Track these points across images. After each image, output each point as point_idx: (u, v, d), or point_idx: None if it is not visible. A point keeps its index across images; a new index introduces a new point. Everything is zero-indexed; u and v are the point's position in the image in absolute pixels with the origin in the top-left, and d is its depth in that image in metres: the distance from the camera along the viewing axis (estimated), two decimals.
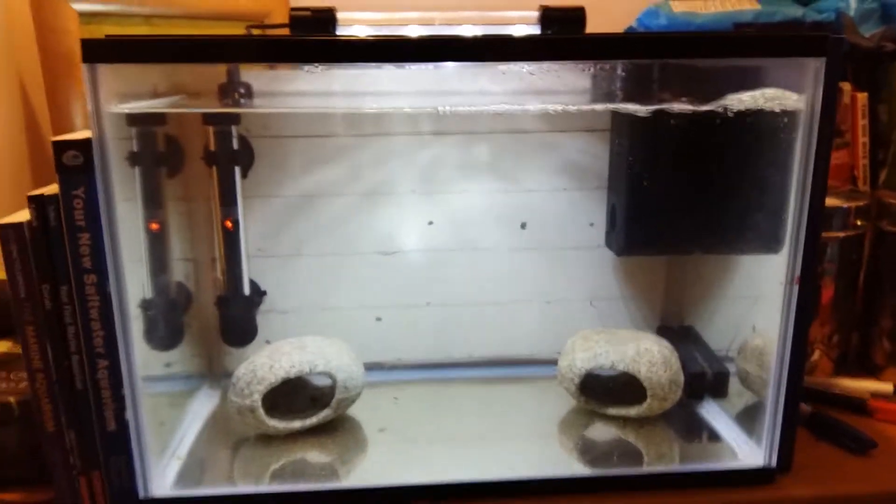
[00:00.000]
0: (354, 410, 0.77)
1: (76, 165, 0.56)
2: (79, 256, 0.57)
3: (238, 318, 0.81)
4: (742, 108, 0.65)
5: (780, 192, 0.70)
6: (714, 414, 0.76)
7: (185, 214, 0.80)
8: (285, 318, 0.84)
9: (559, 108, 0.70)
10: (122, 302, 0.59)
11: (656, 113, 0.70)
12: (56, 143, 0.55)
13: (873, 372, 0.84)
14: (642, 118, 0.72)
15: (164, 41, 0.56)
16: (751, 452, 0.68)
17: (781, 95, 0.63)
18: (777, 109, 0.64)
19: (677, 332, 0.85)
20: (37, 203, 0.56)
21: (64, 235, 0.57)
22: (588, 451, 0.71)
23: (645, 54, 0.61)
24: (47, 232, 0.57)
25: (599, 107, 0.74)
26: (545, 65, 0.63)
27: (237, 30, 0.97)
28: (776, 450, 0.66)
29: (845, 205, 0.79)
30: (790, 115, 0.64)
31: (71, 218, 0.56)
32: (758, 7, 0.96)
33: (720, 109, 0.66)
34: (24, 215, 0.57)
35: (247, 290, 0.80)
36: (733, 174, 0.73)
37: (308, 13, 0.65)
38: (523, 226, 0.84)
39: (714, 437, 0.72)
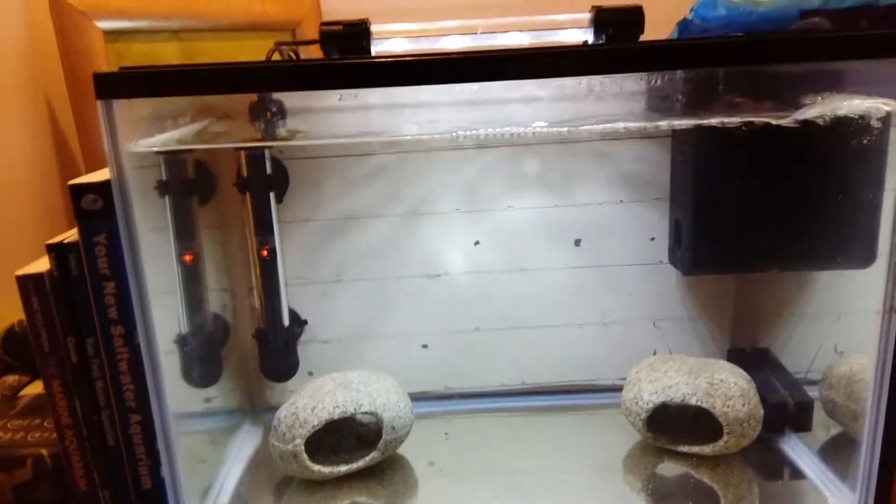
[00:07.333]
0: (403, 446, 0.72)
1: (96, 210, 0.52)
2: (104, 307, 0.53)
3: (278, 351, 0.76)
4: (826, 118, 0.58)
5: (870, 203, 0.63)
6: (797, 449, 0.69)
7: (218, 243, 0.76)
8: (327, 347, 0.80)
9: (618, 127, 0.63)
10: (152, 353, 0.55)
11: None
12: (73, 187, 0.51)
13: None
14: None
15: (183, 72, 0.51)
16: (842, 496, 0.62)
17: (874, 105, 0.56)
18: (872, 117, 0.57)
19: (751, 354, 0.78)
20: (56, 251, 0.53)
21: (87, 285, 0.53)
22: (658, 491, 0.65)
23: (715, 62, 0.54)
24: (69, 281, 0.53)
25: (663, 124, 0.67)
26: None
27: (267, 42, 0.92)
28: (872, 495, 0.59)
29: None
30: (883, 119, 0.56)
31: (94, 266, 0.53)
32: None
33: (801, 118, 0.59)
34: (44, 264, 0.53)
35: (286, 322, 0.76)
36: (814, 183, 0.66)
37: (339, 27, 0.59)
38: (577, 242, 0.78)
39: (798, 476, 0.66)
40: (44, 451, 0.62)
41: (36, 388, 0.74)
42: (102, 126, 0.50)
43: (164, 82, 0.51)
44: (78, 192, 0.51)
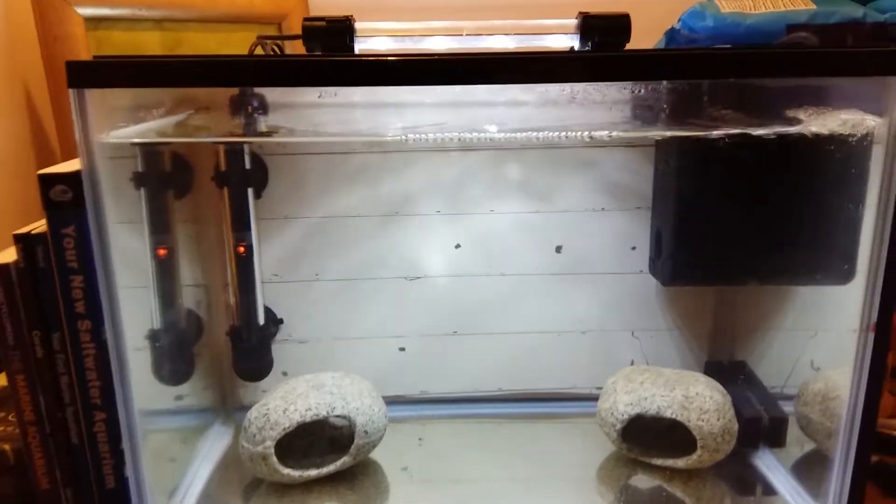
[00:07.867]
0: (375, 450, 0.71)
1: (65, 201, 0.50)
2: (71, 301, 0.52)
3: (252, 350, 0.75)
4: (813, 132, 0.58)
5: (851, 220, 0.63)
6: (770, 465, 0.69)
7: (194, 238, 0.74)
8: (303, 347, 0.79)
9: (603, 134, 0.62)
10: (119, 350, 0.53)
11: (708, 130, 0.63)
12: (42, 177, 0.50)
13: None
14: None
15: (159, 63, 0.50)
16: None
17: (859, 121, 0.56)
18: (856, 133, 0.56)
19: (728, 367, 0.77)
20: (24, 242, 0.51)
21: (55, 278, 0.51)
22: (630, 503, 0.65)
23: (700, 74, 0.54)
24: (36, 274, 0.52)
25: (654, 134, 0.67)
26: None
27: (252, 35, 0.91)
28: None
29: None
30: (866, 137, 0.56)
31: (62, 259, 0.51)
32: (813, 7, 0.88)
33: (784, 132, 0.59)
34: (10, 255, 0.52)
35: (261, 320, 0.75)
36: (796, 198, 0.66)
37: (323, 23, 0.58)
38: (558, 249, 0.78)
39: (770, 492, 0.66)
40: (6, 447, 0.60)
41: (1, 380, 0.72)
42: (74, 116, 0.49)
43: (139, 73, 0.49)
44: (47, 182, 0.50)
